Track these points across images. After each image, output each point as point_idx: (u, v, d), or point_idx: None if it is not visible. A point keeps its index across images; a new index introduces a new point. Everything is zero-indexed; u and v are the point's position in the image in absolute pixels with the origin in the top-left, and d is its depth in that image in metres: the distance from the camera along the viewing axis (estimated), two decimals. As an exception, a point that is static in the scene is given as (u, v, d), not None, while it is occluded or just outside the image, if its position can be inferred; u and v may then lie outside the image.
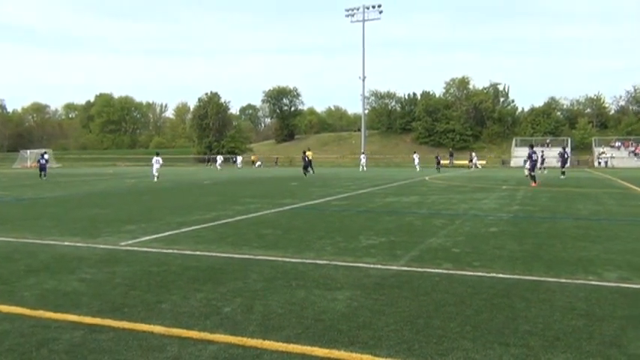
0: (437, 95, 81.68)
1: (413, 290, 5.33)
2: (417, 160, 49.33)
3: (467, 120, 75.14)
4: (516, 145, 65.64)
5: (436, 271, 6.22)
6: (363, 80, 70.92)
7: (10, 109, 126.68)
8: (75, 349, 3.78)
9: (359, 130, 79.29)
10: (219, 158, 61.40)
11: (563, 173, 31.99)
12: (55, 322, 4.34)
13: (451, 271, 6.19)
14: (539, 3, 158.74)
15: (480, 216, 11.69)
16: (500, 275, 5.99)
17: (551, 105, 76.09)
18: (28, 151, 64.49)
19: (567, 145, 62.35)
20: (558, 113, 75.97)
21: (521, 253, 7.32)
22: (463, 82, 79.93)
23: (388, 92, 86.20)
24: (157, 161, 29.83)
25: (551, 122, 71.66)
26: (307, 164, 34.36)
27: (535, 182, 22.93)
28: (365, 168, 48.58)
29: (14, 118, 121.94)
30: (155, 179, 28.25)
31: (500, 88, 79.30)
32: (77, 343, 3.88)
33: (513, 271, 6.18)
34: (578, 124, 69.35)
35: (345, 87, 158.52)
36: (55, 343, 3.89)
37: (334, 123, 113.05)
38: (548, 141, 64.77)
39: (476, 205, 14.05)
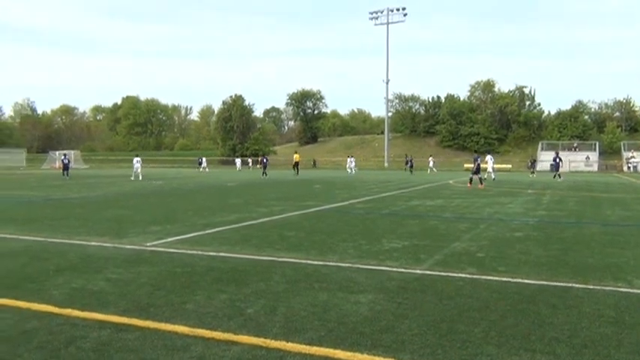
0: (461, 98, 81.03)
1: (436, 294, 5.29)
2: (431, 164, 49.58)
3: (492, 123, 74.36)
4: (542, 149, 64.67)
5: (460, 275, 6.16)
6: (387, 83, 70.77)
7: (39, 111, 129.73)
8: (102, 347, 3.85)
9: (382, 133, 79.07)
10: (238, 161, 62.02)
11: (559, 176, 33.54)
12: (83, 321, 4.42)
13: (475, 276, 6.12)
14: (565, 4, 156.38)
15: (505, 220, 11.54)
16: (526, 281, 5.90)
17: (579, 108, 74.82)
18: (57, 152, 65.83)
19: (595, 148, 61.19)
20: (586, 117, 74.71)
21: (547, 259, 7.21)
22: (488, 85, 79.17)
23: (412, 95, 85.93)
24: (137, 161, 33.90)
25: (579, 126, 70.48)
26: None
27: (482, 184, 24.07)
28: (353, 171, 45.85)
29: (44, 120, 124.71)
30: (138, 177, 31.79)
31: (527, 91, 78.39)
32: (104, 342, 3.94)
33: (539, 277, 6.09)
34: (606, 128, 68.07)
35: (368, 90, 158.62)
36: (83, 341, 3.96)
37: (357, 126, 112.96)
38: (575, 145, 63.69)
39: (501, 210, 13.88)
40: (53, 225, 10.64)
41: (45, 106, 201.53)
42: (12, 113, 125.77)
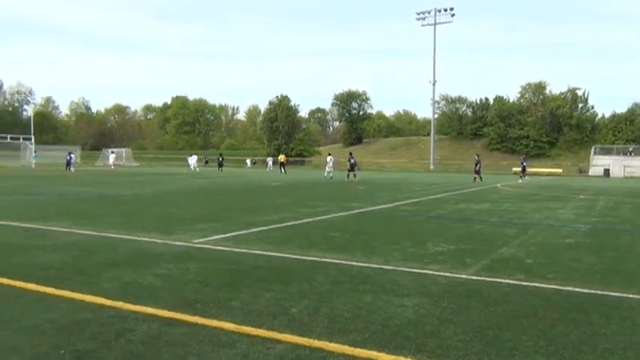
0: (510, 100, 79.16)
1: (482, 300, 5.20)
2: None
3: (542, 126, 72.32)
4: (595, 154, 62.45)
5: (507, 281, 6.02)
6: (434, 84, 69.88)
7: (94, 110, 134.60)
8: (150, 340, 3.96)
9: (428, 134, 78.13)
10: (270, 160, 62.97)
11: (522, 177, 35.94)
12: (133, 314, 4.56)
13: (523, 283, 5.97)
14: (621, 4, 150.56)
15: (555, 226, 11.21)
16: (577, 289, 5.72)
17: (635, 111, 71.78)
18: (109, 150, 68.14)
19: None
20: (643, 120, 71.59)
21: (600, 267, 6.96)
22: (540, 87, 77.05)
23: (459, 97, 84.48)
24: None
25: (635, 129, 67.66)
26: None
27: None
28: (331, 174, 36.31)
29: (97, 119, 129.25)
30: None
31: (580, 93, 75.79)
32: (153, 335, 4.05)
33: (591, 286, 5.88)
34: (665, 132, 65.09)
35: (415, 91, 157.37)
36: (132, 333, 4.08)
37: (403, 127, 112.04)
38: (630, 149, 61.18)
39: (551, 215, 13.49)
40: (106, 220, 11.01)
41: (99, 105, 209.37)
42: (68, 112, 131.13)
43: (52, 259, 6.85)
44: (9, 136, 61.01)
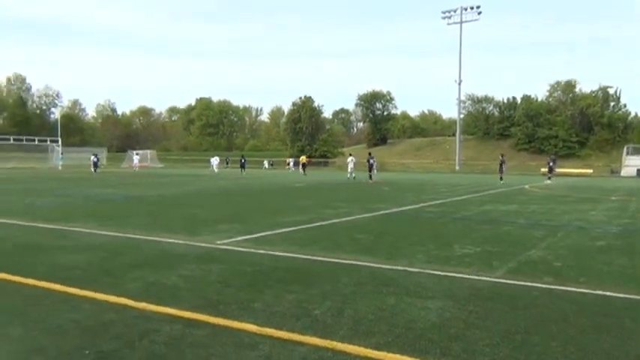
0: (539, 99, 77.93)
1: (510, 304, 5.11)
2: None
3: (572, 126, 70.97)
4: (628, 154, 61.08)
5: (535, 285, 5.92)
6: (459, 84, 69.25)
7: (119, 112, 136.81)
8: (174, 341, 3.99)
9: (454, 135, 77.39)
10: (291, 161, 63.24)
11: (549, 178, 35.73)
12: (156, 315, 4.60)
13: (552, 286, 5.86)
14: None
15: (586, 228, 10.99)
16: (608, 293, 5.59)
17: (670, 110, 70.03)
18: (134, 152, 69.21)
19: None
20: (678, 119, 69.81)
21: (633, 270, 6.79)
22: (569, 86, 75.66)
23: (485, 96, 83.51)
24: (95, 157, 44.05)
25: (670, 129, 65.99)
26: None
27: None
28: (353, 175, 35.59)
29: (123, 120, 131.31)
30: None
31: (611, 91, 74.18)
32: (176, 336, 4.08)
33: (623, 290, 5.74)
34: (701, 131, 63.32)
35: (440, 90, 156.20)
36: (156, 334, 4.12)
37: (428, 127, 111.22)
38: (665, 149, 59.70)
39: (581, 217, 13.23)
40: (130, 221, 11.16)
41: (124, 107, 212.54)
42: (94, 114, 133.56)
43: (77, 260, 6.97)
44: (37, 138, 62.54)
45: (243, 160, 52.02)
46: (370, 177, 32.98)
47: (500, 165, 34.32)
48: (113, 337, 4.05)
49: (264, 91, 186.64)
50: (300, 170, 47.20)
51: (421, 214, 13.51)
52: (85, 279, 5.89)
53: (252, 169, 58.99)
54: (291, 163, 61.96)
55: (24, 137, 61.48)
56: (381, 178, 35.85)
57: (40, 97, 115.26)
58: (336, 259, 7.19)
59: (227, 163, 65.41)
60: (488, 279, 6.16)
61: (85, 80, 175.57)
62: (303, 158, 49.63)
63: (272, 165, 71.33)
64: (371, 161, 34.06)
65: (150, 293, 5.31)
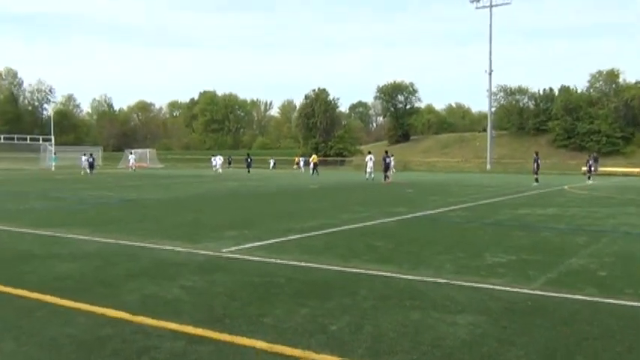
0: (578, 90, 77.21)
1: (549, 318, 5.05)
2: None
3: (615, 120, 70.15)
4: (680, 150, 60.22)
5: (577, 297, 5.84)
6: (490, 74, 68.88)
7: (116, 108, 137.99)
8: (175, 359, 3.99)
9: (484, 130, 77.00)
10: (302, 160, 63.39)
11: (589, 177, 35.58)
12: (156, 330, 4.61)
13: (596, 299, 5.78)
14: None
15: (633, 234, 10.84)
16: (660, 307, 5.50)
17: None
18: (130, 150, 69.54)
19: None
20: None
21: (688, 282, 6.68)
22: (612, 75, 74.83)
23: (519, 87, 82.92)
24: (85, 159, 45.42)
25: None
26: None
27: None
28: (372, 175, 35.34)
29: (120, 117, 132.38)
30: (82, 173, 42.21)
31: (660, 81, 73.23)
32: (177, 353, 4.09)
33: (677, 303, 5.65)
34: None
35: (468, 82, 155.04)
36: (157, 351, 4.13)
37: (456, 122, 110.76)
38: None
39: (628, 221, 13.06)
40: (127, 227, 11.24)
41: (122, 102, 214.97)
42: (89, 110, 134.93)
43: (71, 269, 7.02)
44: (29, 137, 63.32)
45: (249, 160, 52.17)
46: (386, 177, 32.94)
47: (535, 164, 34.02)
48: (111, 354, 4.07)
49: (273, 84, 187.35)
50: (311, 171, 47.18)
51: (448, 219, 13.44)
52: (79, 290, 5.93)
53: (258, 169, 59.16)
54: (301, 163, 61.95)
55: (15, 136, 62.27)
56: (403, 179, 35.75)
57: (32, 92, 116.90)
58: (354, 269, 7.17)
59: (229, 163, 64.89)
60: (524, 291, 6.10)
61: (80, 74, 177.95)
62: (314, 158, 49.54)
63: (274, 166, 70.16)
64: (387, 160, 34.02)
65: (148, 306, 5.33)
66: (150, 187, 26.71)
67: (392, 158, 35.18)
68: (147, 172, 53.43)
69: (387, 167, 33.67)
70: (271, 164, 70.57)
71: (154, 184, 28.93)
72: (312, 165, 47.97)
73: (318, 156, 53.37)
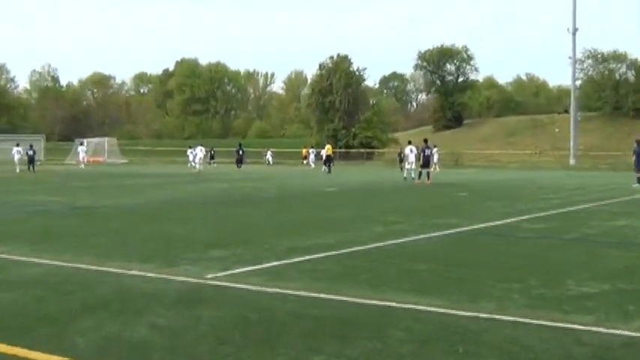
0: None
1: (656, 371, 5.03)
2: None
3: None
4: None
5: (696, 342, 5.81)
6: (574, 34, 68.50)
7: (63, 82, 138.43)
8: None
9: (566, 111, 76.65)
10: (311, 152, 63.20)
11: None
12: (118, 385, 4.64)
13: None
14: None
15: None
16: None
17: None
18: (79, 141, 69.70)
19: None
20: None
21: None
22: None
23: (615, 52, 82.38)
24: (17, 152, 47.31)
25: None
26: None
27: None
28: (413, 174, 35.03)
29: (68, 95, 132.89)
30: (18, 170, 43.53)
31: None
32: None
33: None
34: None
35: (543, 46, 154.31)
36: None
37: (526, 101, 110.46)
38: None
39: None
40: (79, 244, 11.31)
41: (71, 75, 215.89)
42: (27, 86, 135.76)
43: (4, 301, 7.07)
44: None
45: (241, 153, 51.90)
46: (427, 175, 32.90)
47: (637, 157, 33.64)
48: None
49: (276, 51, 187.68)
50: (324, 167, 46.89)
51: (515, 234, 13.41)
52: (14, 328, 5.97)
53: (252, 166, 59.29)
54: (311, 156, 61.81)
55: None
56: (453, 178, 35.60)
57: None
58: (385, 302, 7.15)
59: (212, 158, 63.06)
60: (622, 332, 6.06)
61: (14, 37, 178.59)
62: (328, 148, 49.13)
63: (271, 160, 70.11)
64: (427, 152, 33.94)
65: (108, 352, 5.35)
66: (109, 189, 26.88)
67: (435, 150, 35.09)
68: (105, 168, 53.83)
69: (426, 162, 33.56)
70: (268, 158, 69.87)
71: (115, 186, 29.09)
72: (324, 159, 47.75)
73: (333, 148, 52.98)
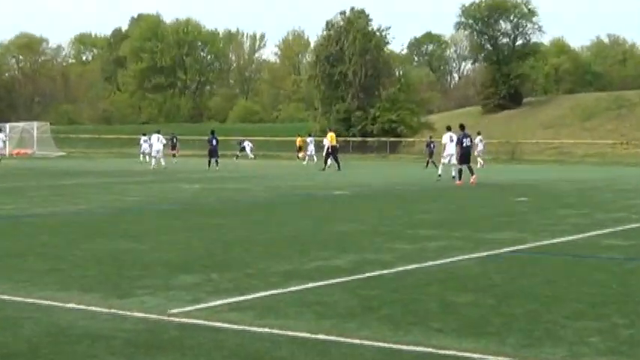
0: None
1: None
2: None
3: None
4: None
5: None
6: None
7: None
8: None
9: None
10: (310, 141, 63.43)
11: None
12: None
13: None
14: None
15: None
16: None
17: None
18: (8, 126, 69.98)
19: None
20: None
21: None
22: None
23: None
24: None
25: None
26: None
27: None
28: (453, 172, 36.78)
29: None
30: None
31: None
32: None
33: None
34: None
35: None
36: None
37: (609, 72, 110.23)
38: None
39: None
40: (-3, 267, 11.32)
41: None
42: None
43: None
44: None
45: (214, 143, 50.70)
46: (470, 172, 32.96)
47: None
48: None
49: (267, 4, 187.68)
50: (328, 162, 46.68)
51: (592, 254, 13.46)
52: None
53: (229, 160, 59.28)
54: (310, 148, 61.90)
55: None
56: (508, 178, 35.62)
57: None
58: (417, 347, 7.14)
59: (173, 148, 62.38)
60: None
61: None
62: (331, 137, 48.53)
63: (243, 151, 71.94)
64: (465, 141, 33.96)
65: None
66: (40, 191, 26.88)
67: (479, 138, 35.10)
68: (34, 163, 53.92)
69: (465, 156, 33.58)
70: (248, 150, 70.23)
71: (48, 187, 29.13)
72: (325, 150, 47.62)
73: (345, 135, 52.74)
